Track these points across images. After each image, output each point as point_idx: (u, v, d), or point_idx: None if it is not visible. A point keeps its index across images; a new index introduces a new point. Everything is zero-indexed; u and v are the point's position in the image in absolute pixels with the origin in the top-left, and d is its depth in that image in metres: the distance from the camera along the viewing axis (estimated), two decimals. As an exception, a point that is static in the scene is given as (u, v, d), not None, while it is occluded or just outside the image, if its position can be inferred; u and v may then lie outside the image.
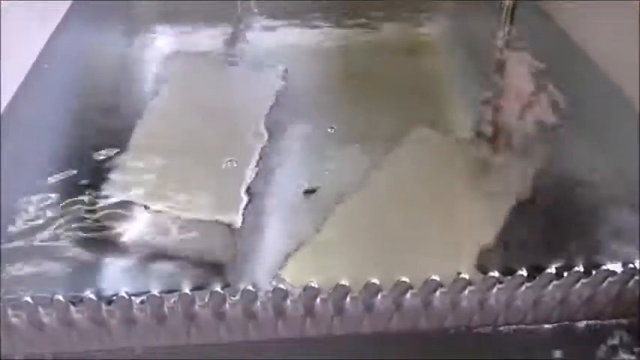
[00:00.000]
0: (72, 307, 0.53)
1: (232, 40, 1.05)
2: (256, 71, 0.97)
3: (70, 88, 0.93)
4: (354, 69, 0.98)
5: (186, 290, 0.54)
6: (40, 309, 0.53)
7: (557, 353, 0.55)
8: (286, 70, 0.96)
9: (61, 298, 0.53)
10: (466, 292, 0.56)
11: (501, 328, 0.57)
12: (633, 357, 0.54)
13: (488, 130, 0.85)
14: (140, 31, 1.07)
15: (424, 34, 1.09)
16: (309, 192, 0.73)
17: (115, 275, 0.63)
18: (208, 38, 1.06)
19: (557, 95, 0.89)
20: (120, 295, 0.53)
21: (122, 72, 0.98)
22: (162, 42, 1.06)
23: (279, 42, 1.05)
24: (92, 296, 0.53)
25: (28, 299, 0.53)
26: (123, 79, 0.96)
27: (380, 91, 0.92)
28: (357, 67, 0.99)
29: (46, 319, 0.54)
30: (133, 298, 0.54)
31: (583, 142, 0.82)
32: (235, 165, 0.77)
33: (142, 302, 0.54)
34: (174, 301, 0.54)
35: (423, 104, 0.90)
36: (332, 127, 0.81)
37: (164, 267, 0.63)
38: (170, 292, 0.55)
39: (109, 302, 0.54)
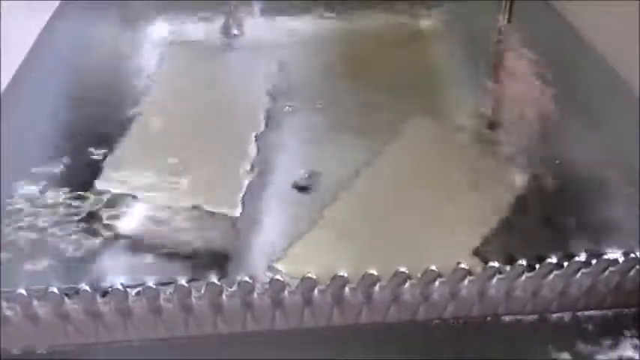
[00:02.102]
0: (67, 300, 0.53)
1: (228, 30, 1.05)
2: (253, 60, 0.96)
3: (65, 83, 0.92)
4: (352, 58, 0.97)
5: (183, 282, 0.53)
6: (35, 301, 0.52)
7: (558, 343, 0.54)
8: (283, 60, 0.95)
9: (55, 290, 0.52)
10: (465, 282, 0.55)
11: (501, 319, 0.56)
12: (634, 347, 0.54)
13: (487, 119, 0.85)
14: (134, 23, 1.07)
15: (424, 24, 1.08)
16: (301, 188, 0.72)
17: (111, 267, 0.62)
18: (203, 28, 1.05)
19: (555, 85, 0.89)
20: (115, 287, 0.53)
21: (118, 63, 0.97)
22: (157, 33, 1.05)
23: (276, 31, 1.05)
24: (87, 288, 0.52)
25: (22, 291, 0.52)
26: (119, 71, 0.95)
27: (379, 81, 0.92)
28: (355, 56, 0.98)
29: (40, 312, 0.53)
30: (128, 289, 0.53)
31: (582, 130, 0.81)
32: (233, 155, 0.76)
33: (137, 294, 0.53)
34: (171, 293, 0.53)
35: (421, 94, 0.89)
36: None
37: (160, 258, 0.63)
38: (166, 283, 0.54)
39: (104, 294, 0.53)
